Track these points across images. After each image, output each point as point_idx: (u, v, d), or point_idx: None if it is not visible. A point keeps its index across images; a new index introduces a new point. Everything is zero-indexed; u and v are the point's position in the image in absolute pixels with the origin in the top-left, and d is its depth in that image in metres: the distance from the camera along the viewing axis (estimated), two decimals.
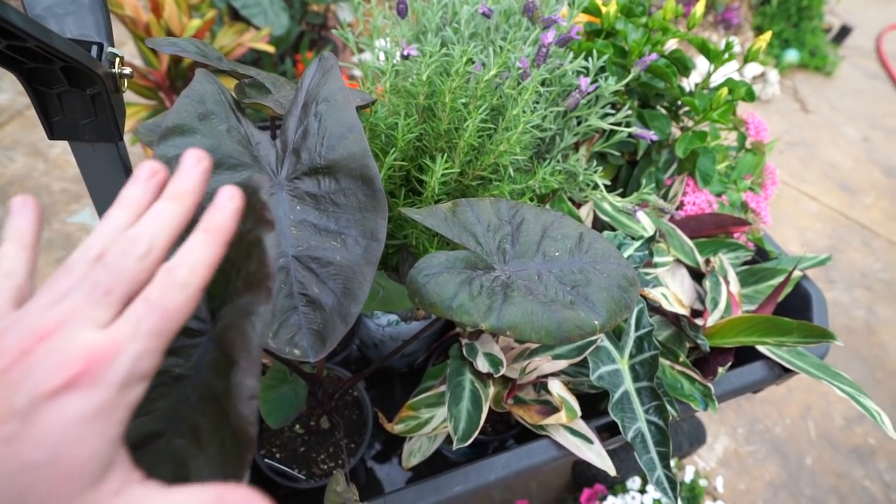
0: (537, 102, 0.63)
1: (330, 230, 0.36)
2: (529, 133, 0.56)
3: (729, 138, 0.91)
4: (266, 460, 0.60)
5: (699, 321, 0.71)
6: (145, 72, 1.20)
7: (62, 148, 1.67)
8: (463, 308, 0.31)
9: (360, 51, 0.67)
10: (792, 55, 2.72)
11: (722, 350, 0.68)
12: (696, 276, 0.78)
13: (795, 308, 0.81)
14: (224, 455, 0.24)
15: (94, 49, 0.40)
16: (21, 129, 1.72)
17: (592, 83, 0.65)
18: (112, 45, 0.41)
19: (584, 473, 1.01)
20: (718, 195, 0.83)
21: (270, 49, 1.28)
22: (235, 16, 1.42)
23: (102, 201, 0.47)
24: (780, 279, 0.78)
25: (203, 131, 0.33)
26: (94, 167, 0.45)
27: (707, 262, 0.77)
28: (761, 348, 0.72)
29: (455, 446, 0.51)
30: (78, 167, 0.45)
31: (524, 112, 0.53)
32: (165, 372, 0.28)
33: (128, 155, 0.47)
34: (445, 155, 0.53)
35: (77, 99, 0.39)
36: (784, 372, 0.71)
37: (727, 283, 0.75)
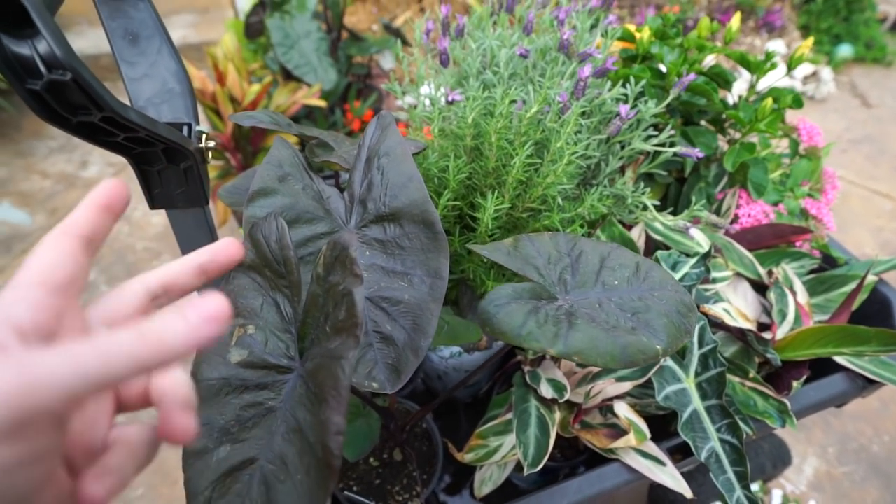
0: (579, 132, 0.65)
1: (397, 271, 0.39)
2: (574, 163, 0.58)
3: (781, 145, 0.89)
4: (345, 493, 0.63)
5: (767, 335, 0.69)
6: (213, 136, 1.32)
7: (143, 210, 1.83)
8: (532, 335, 0.33)
9: (404, 94, 0.72)
10: (845, 50, 2.61)
11: (795, 363, 0.65)
12: (760, 288, 0.76)
13: (874, 315, 0.77)
14: (307, 483, 0.27)
15: (185, 129, 0.46)
16: None
17: (632, 108, 0.67)
18: (198, 123, 0.48)
19: (661, 500, 0.98)
20: (775, 204, 0.81)
21: (322, 103, 1.38)
22: (288, 76, 1.54)
23: None
24: (852, 286, 0.74)
25: (282, 191, 0.38)
26: (185, 228, 0.51)
27: (770, 273, 0.75)
28: (840, 360, 0.69)
29: (526, 472, 0.52)
30: (171, 228, 0.52)
31: (568, 144, 0.55)
32: (259, 404, 0.31)
33: (212, 217, 0.53)
34: (496, 191, 0.56)
35: (172, 173, 0.46)
36: (868, 383, 0.68)
37: (794, 293, 0.72)
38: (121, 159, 2.08)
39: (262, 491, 0.28)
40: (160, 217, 1.81)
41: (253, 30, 1.55)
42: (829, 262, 0.82)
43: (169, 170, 0.46)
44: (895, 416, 1.36)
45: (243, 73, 1.38)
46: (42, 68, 0.29)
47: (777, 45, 2.51)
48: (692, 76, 0.65)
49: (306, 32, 1.45)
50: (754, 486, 0.99)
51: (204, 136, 0.47)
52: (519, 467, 0.66)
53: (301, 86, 1.45)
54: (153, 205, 0.48)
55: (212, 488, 0.29)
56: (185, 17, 2.66)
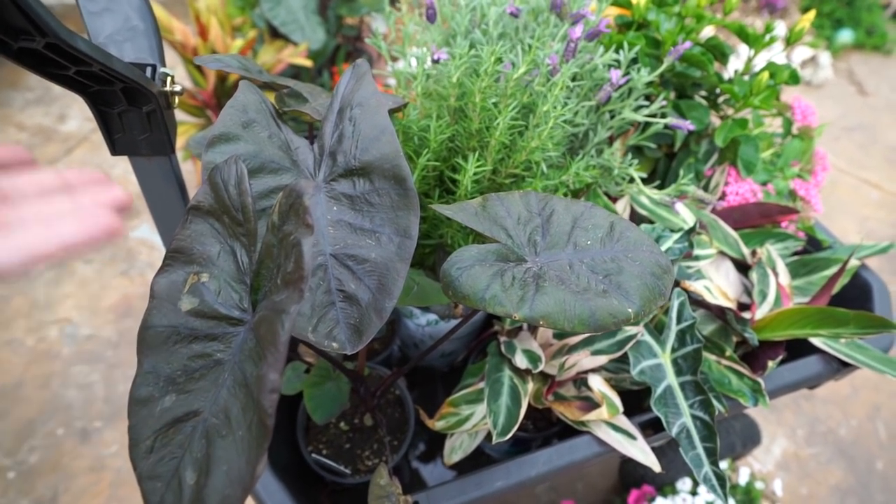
0: (568, 98, 0.63)
1: (365, 229, 0.37)
2: (560, 128, 0.56)
3: (773, 125, 0.88)
4: (313, 455, 0.62)
5: (746, 315, 0.69)
6: (194, 92, 1.27)
7: (123, 169, 1.78)
8: (496, 299, 0.31)
9: (394, 59, 0.69)
10: (845, 35, 2.57)
11: (772, 343, 0.65)
12: (743, 268, 0.76)
13: (854, 300, 0.77)
14: (248, 439, 0.26)
15: (149, 70, 0.43)
16: (87, 152, 1.85)
17: (624, 75, 0.65)
18: (164, 66, 0.45)
19: (631, 475, 0.99)
20: (764, 184, 0.80)
21: (308, 63, 1.33)
22: (275, 33, 1.48)
23: (158, 210, 0.50)
24: (834, 269, 0.74)
25: (246, 138, 0.36)
26: (150, 179, 0.48)
27: (753, 253, 0.74)
28: (816, 342, 0.69)
29: (494, 440, 0.52)
30: (137, 180, 0.49)
31: (554, 107, 0.53)
32: (208, 355, 0.30)
33: (179, 167, 0.51)
34: (478, 153, 0.54)
35: (135, 117, 0.43)
36: (842, 366, 0.68)
37: (776, 274, 0.72)
38: None
39: (203, 445, 0.26)
40: None
41: None
42: (813, 245, 0.81)
43: (131, 113, 0.43)
44: (864, 402, 1.38)
45: (227, 27, 1.32)
46: None
47: (778, 27, 2.47)
48: (688, 44, 0.63)
49: None
50: (723, 464, 1.01)
51: (169, 78, 0.44)
52: (490, 436, 0.66)
53: (287, 44, 1.40)
54: (114, 151, 0.45)
55: (154, 437, 0.27)
56: None
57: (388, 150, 0.37)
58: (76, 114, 2.02)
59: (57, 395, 1.27)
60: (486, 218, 0.37)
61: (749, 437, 0.98)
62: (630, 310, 0.33)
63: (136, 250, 1.56)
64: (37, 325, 1.39)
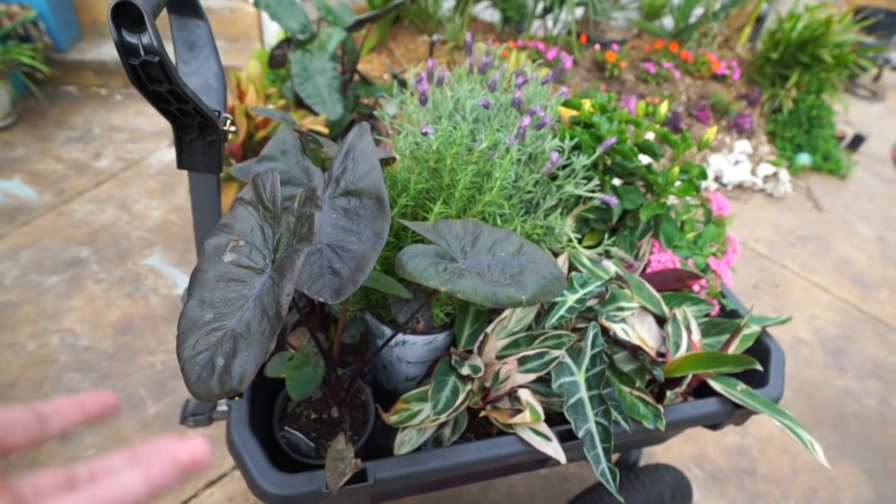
0: (522, 171, 0.82)
1: (352, 230, 0.54)
2: (509, 190, 0.74)
3: (698, 213, 1.07)
4: (285, 428, 0.74)
5: (661, 359, 0.84)
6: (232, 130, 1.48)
7: (144, 203, 1.97)
8: (428, 275, 0.47)
9: (397, 132, 0.89)
10: (804, 158, 2.89)
11: (673, 379, 0.79)
12: (664, 324, 0.91)
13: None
14: (261, 339, 0.40)
15: (216, 114, 0.62)
16: (114, 187, 2.05)
17: (567, 159, 0.84)
18: (226, 112, 0.63)
19: None
20: (686, 258, 0.98)
21: (325, 131, 1.56)
22: (300, 104, 1.73)
23: (199, 214, 0.67)
24: (743, 332, 0.89)
25: (282, 160, 0.53)
26: (199, 189, 0.66)
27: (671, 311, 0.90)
28: (716, 387, 0.83)
29: (432, 416, 0.65)
30: (189, 188, 0.66)
31: (503, 175, 0.72)
32: (239, 290, 0.45)
33: (220, 186, 0.68)
34: (446, 203, 0.72)
35: (200, 143, 0.61)
36: (735, 408, 0.81)
37: (689, 331, 0.87)
38: (131, 155, 2.23)
39: (231, 343, 0.41)
40: (159, 211, 1.94)
41: (276, 61, 1.75)
42: (731, 313, 0.97)
43: (198, 140, 0.61)
44: (803, 483, 1.47)
45: (261, 95, 1.56)
46: (142, 52, 0.45)
47: (744, 145, 2.79)
48: (613, 140, 0.83)
49: (322, 70, 1.65)
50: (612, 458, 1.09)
51: (228, 121, 0.63)
52: (437, 441, 0.77)
53: (309, 114, 1.64)
54: (180, 165, 0.63)
55: (197, 338, 0.42)
56: (216, 43, 2.91)
57: (375, 181, 0.55)
58: (109, 153, 2.24)
59: (46, 398, 1.35)
60: (434, 232, 0.54)
61: (679, 490, 1.08)
62: (523, 297, 0.48)
63: (143, 276, 1.70)
64: (40, 332, 1.50)
